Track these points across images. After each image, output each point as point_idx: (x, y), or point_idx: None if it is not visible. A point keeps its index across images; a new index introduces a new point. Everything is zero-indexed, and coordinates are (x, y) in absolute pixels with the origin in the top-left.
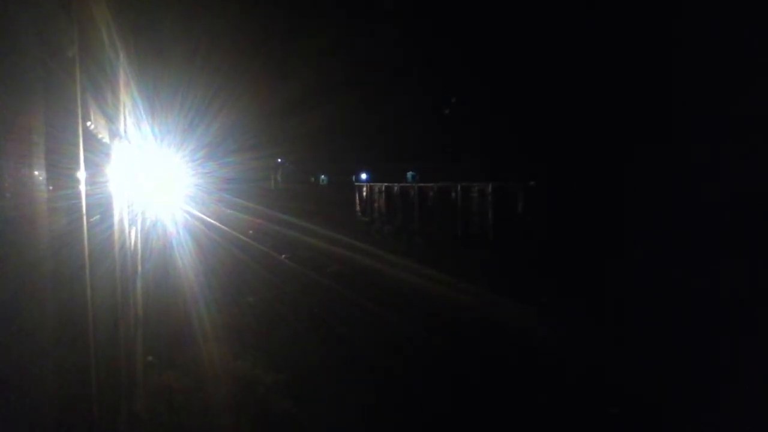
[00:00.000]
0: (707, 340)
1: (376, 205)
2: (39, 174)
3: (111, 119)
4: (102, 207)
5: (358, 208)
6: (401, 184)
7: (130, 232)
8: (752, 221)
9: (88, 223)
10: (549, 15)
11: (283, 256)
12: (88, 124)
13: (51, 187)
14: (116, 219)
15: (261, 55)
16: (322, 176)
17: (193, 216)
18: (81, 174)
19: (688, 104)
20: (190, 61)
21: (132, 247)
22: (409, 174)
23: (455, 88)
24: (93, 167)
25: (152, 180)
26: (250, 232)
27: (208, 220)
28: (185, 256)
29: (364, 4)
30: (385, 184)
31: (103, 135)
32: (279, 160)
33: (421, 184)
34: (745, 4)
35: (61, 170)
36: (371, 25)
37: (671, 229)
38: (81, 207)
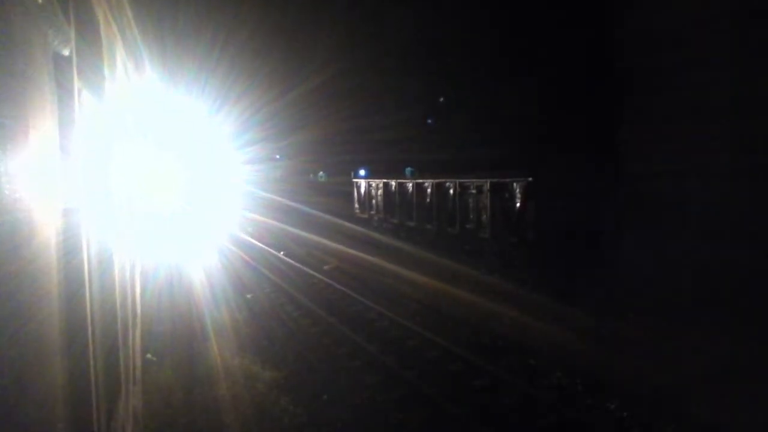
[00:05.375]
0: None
1: (374, 201)
2: (37, 172)
3: (111, 116)
4: (101, 204)
5: (356, 204)
6: (399, 180)
7: (130, 226)
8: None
9: (87, 220)
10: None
11: (282, 253)
12: (86, 121)
13: (49, 186)
14: (115, 213)
15: (262, 56)
16: (321, 173)
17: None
18: (80, 172)
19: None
20: (197, 63)
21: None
22: (408, 170)
23: (455, 85)
24: (92, 164)
25: (154, 178)
26: (249, 229)
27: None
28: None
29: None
30: (383, 180)
31: (102, 133)
32: (277, 156)
33: (418, 180)
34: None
35: (59, 168)
36: (374, 19)
37: (669, 223)
38: (80, 205)
